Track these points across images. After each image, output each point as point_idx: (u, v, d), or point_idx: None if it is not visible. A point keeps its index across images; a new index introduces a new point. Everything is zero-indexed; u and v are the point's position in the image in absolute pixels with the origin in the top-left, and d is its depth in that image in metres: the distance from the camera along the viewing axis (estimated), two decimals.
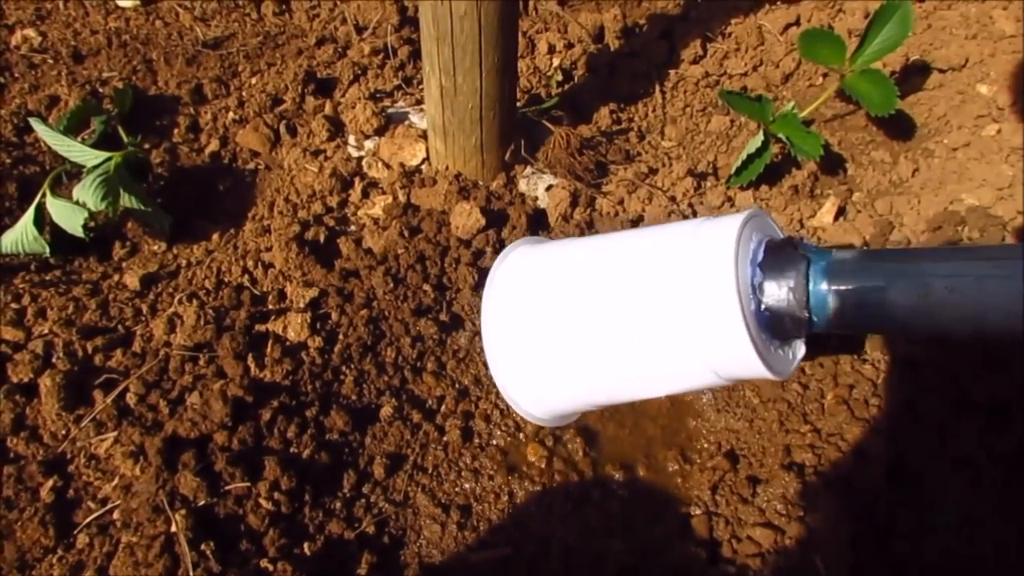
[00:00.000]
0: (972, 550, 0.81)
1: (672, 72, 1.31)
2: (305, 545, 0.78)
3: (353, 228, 1.08)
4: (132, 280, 0.99)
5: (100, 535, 0.75)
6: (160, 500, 0.76)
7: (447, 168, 1.10)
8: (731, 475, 0.87)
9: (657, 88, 1.29)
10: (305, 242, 1.01)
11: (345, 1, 1.44)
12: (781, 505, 0.83)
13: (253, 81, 1.31)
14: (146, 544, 0.73)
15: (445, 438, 0.89)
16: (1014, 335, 0.53)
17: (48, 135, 1.03)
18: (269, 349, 0.89)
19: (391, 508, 0.84)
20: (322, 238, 1.03)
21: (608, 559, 0.81)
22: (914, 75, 1.20)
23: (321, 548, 0.78)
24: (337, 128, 1.20)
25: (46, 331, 0.90)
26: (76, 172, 1.05)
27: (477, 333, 0.97)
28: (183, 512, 0.75)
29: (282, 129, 1.21)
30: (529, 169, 1.13)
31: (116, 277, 1.01)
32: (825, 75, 1.24)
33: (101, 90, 1.25)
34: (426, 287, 0.97)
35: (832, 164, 1.16)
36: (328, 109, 1.21)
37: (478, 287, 0.99)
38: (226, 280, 1.01)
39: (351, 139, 1.18)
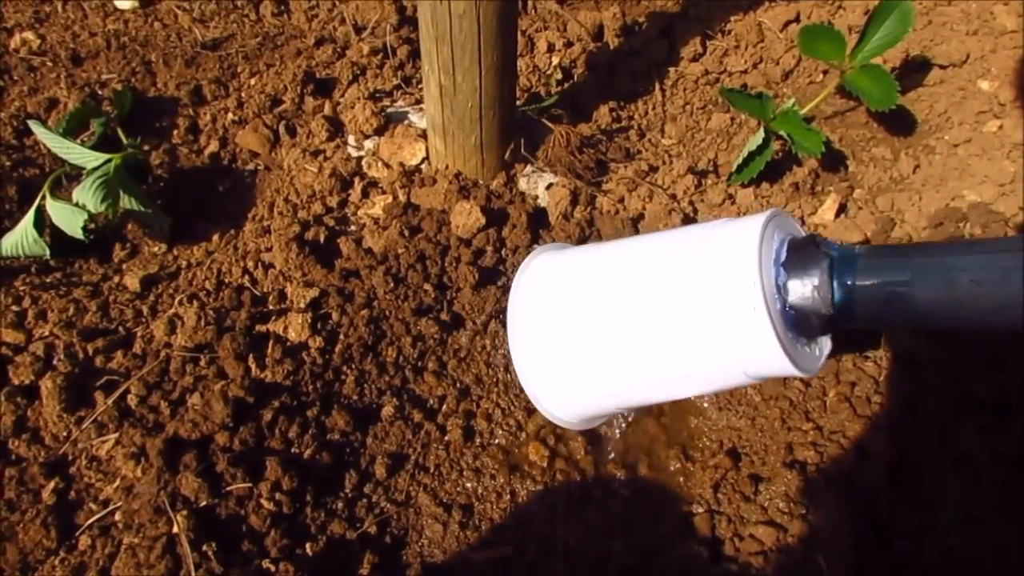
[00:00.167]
0: (973, 549, 0.81)
1: (672, 70, 1.31)
2: (307, 545, 0.78)
3: (353, 228, 1.08)
4: (132, 281, 0.99)
5: (102, 536, 0.75)
6: (162, 501, 0.76)
7: (447, 167, 1.10)
8: (733, 473, 0.87)
9: (657, 86, 1.29)
10: (305, 242, 1.01)
11: (344, 1, 1.44)
12: (783, 503, 0.83)
13: (252, 82, 1.31)
14: (148, 545, 0.73)
15: (447, 438, 0.89)
16: None
17: (47, 137, 1.03)
18: (270, 349, 0.89)
19: (393, 508, 0.84)
20: (322, 238, 1.03)
21: (610, 558, 0.81)
22: (915, 71, 1.19)
23: (323, 548, 0.78)
24: (336, 128, 1.19)
25: (47, 333, 0.90)
26: (76, 174, 1.05)
27: (478, 332, 0.97)
28: (185, 513, 0.75)
29: (281, 130, 1.21)
30: (529, 168, 1.13)
31: (116, 279, 1.01)
32: (825, 72, 1.24)
33: (100, 92, 1.25)
34: (427, 286, 0.97)
35: (833, 161, 1.16)
36: (327, 109, 1.21)
37: (479, 286, 0.99)
38: (226, 281, 1.01)
39: (351, 139, 1.18)
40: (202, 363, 0.88)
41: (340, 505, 0.82)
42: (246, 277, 1.01)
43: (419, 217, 1.04)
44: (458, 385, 0.94)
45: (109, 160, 1.02)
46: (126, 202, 1.01)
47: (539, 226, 1.07)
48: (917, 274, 0.57)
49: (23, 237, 0.98)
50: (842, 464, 0.85)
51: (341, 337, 0.92)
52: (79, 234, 1.00)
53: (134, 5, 1.43)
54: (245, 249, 1.05)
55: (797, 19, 1.28)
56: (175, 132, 1.22)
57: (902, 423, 0.88)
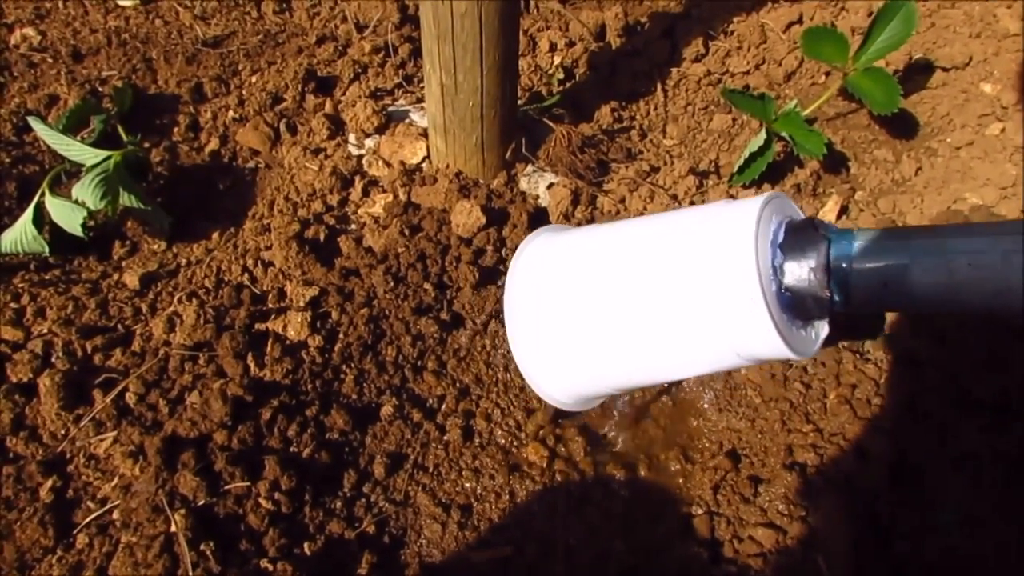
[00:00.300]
0: (973, 549, 0.81)
1: (674, 70, 1.31)
2: (305, 545, 0.78)
3: (353, 227, 1.07)
4: (132, 279, 0.99)
5: (100, 535, 0.75)
6: (160, 500, 0.76)
7: (448, 166, 1.09)
8: (733, 475, 0.87)
9: (659, 86, 1.29)
10: (305, 241, 1.01)
11: None
12: (783, 505, 0.83)
13: (253, 80, 1.31)
14: (146, 544, 0.73)
15: (446, 437, 0.89)
16: None
17: (47, 134, 1.03)
18: (269, 348, 0.89)
19: (391, 508, 0.83)
20: (322, 237, 1.03)
21: (610, 559, 0.81)
22: (917, 73, 1.19)
23: (321, 548, 0.78)
24: (337, 126, 1.19)
25: (45, 331, 0.90)
26: (75, 171, 1.05)
27: (478, 332, 0.97)
28: (183, 512, 0.75)
29: (282, 127, 1.21)
30: (530, 167, 1.13)
31: (115, 276, 1.01)
32: (828, 73, 1.24)
33: (100, 89, 1.25)
34: (427, 286, 0.97)
35: (835, 163, 1.16)
36: (328, 107, 1.21)
37: (479, 286, 0.98)
38: (226, 279, 1.00)
39: (351, 137, 1.18)
40: (201, 361, 0.88)
41: (339, 504, 0.82)
42: (246, 275, 1.00)
43: (419, 216, 1.04)
44: (458, 385, 0.94)
45: (109, 157, 1.02)
46: (126, 199, 1.01)
47: (540, 225, 1.06)
48: (915, 257, 0.57)
49: (22, 234, 0.98)
50: (842, 466, 0.85)
51: (340, 336, 0.92)
52: (78, 231, 0.99)
53: (135, 2, 1.42)
54: (245, 247, 1.04)
55: (800, 20, 1.28)
56: (175, 129, 1.22)
57: (902, 424, 0.88)
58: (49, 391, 0.82)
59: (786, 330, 0.60)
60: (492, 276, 1.00)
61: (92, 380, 0.85)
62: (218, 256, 1.03)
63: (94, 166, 1.00)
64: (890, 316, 0.96)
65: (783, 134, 1.07)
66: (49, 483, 0.78)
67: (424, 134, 1.14)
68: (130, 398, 0.84)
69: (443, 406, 0.92)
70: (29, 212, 0.98)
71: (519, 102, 1.13)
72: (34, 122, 1.02)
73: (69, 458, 0.81)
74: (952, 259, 0.55)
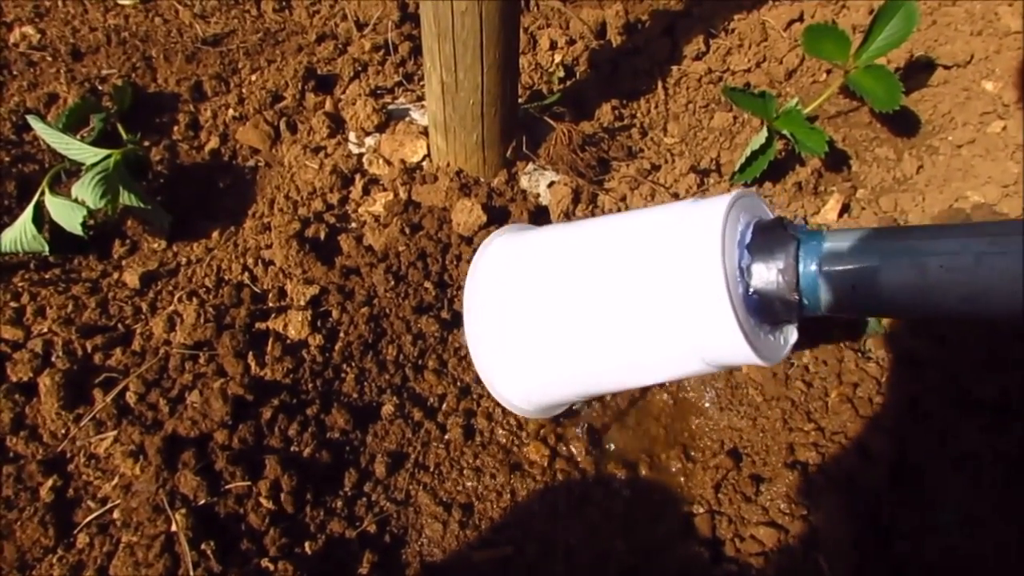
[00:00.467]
0: (973, 549, 0.80)
1: (675, 68, 1.30)
2: (306, 544, 0.78)
3: (354, 225, 1.07)
4: (132, 278, 0.99)
5: (100, 535, 0.75)
6: (160, 499, 0.75)
7: (448, 165, 1.09)
8: (734, 474, 0.87)
9: (659, 84, 1.28)
10: (305, 239, 1.01)
11: None
12: (784, 504, 0.83)
13: (253, 78, 1.31)
14: (146, 544, 0.72)
15: (447, 436, 0.89)
16: (1014, 314, 0.51)
17: (47, 133, 1.02)
18: (269, 347, 0.89)
19: (392, 507, 0.83)
20: (323, 235, 1.02)
21: (611, 558, 0.81)
22: (919, 71, 1.19)
23: (322, 547, 0.78)
24: (338, 125, 1.19)
25: (45, 330, 0.89)
26: (75, 170, 1.05)
27: None
28: (183, 511, 0.74)
29: (282, 126, 1.21)
30: (531, 166, 1.12)
31: (115, 275, 1.00)
32: (829, 71, 1.24)
33: (100, 87, 1.25)
34: (427, 284, 0.97)
35: (836, 161, 1.16)
36: (328, 106, 1.21)
37: None
38: (226, 278, 1.00)
39: (352, 136, 1.18)
40: (201, 361, 0.88)
41: (339, 504, 0.82)
42: (246, 274, 1.00)
43: (420, 215, 1.04)
44: (458, 384, 0.93)
45: (109, 156, 1.01)
46: (126, 198, 1.01)
47: (541, 224, 1.06)
48: (886, 259, 0.55)
49: (22, 233, 0.98)
50: (843, 465, 0.85)
51: (341, 335, 0.92)
52: (78, 230, 0.99)
53: (135, 0, 1.42)
54: (245, 246, 1.04)
55: (801, 18, 1.28)
56: (175, 128, 1.22)
57: (904, 423, 0.88)
58: (49, 390, 0.82)
59: (752, 334, 0.58)
60: None
61: (92, 379, 0.85)
62: (218, 255, 1.03)
63: (94, 165, 1.00)
64: None
65: (784, 132, 1.07)
66: (49, 483, 0.78)
67: (424, 132, 1.14)
68: (130, 397, 0.84)
69: (444, 405, 0.91)
70: (29, 211, 0.98)
71: (520, 100, 1.12)
72: (33, 121, 1.02)
73: (69, 458, 0.81)
74: (924, 261, 0.53)
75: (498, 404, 0.92)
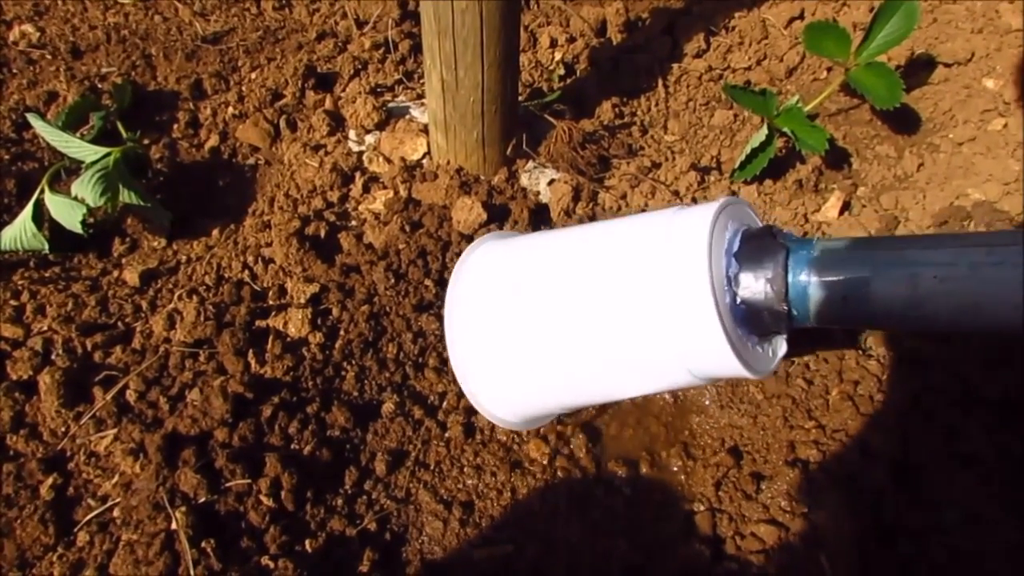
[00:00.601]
0: (978, 548, 0.80)
1: (675, 66, 1.30)
2: (306, 542, 0.78)
3: (354, 223, 1.07)
4: (132, 276, 0.98)
5: (100, 533, 0.75)
6: (160, 497, 0.75)
7: (448, 163, 1.09)
8: (735, 471, 0.87)
9: (660, 82, 1.28)
10: (305, 237, 1.01)
11: None
12: (785, 502, 0.83)
13: (253, 76, 1.30)
14: (146, 542, 0.72)
15: (447, 434, 0.89)
16: (1012, 328, 0.49)
17: (46, 131, 1.02)
18: (270, 345, 0.89)
19: (393, 505, 0.83)
20: (323, 233, 1.02)
21: (611, 556, 0.81)
22: (919, 69, 1.19)
23: (322, 545, 0.78)
24: (337, 123, 1.19)
25: (45, 328, 0.89)
26: (75, 168, 1.05)
27: None
28: (183, 509, 0.74)
29: (282, 124, 1.21)
30: (531, 163, 1.12)
31: (115, 273, 1.00)
32: (829, 69, 1.23)
33: (100, 86, 1.25)
34: (427, 282, 0.97)
35: (837, 158, 1.15)
36: (328, 104, 1.21)
37: None
38: (226, 276, 1.00)
39: (352, 134, 1.18)
40: (201, 358, 0.88)
41: (340, 502, 0.82)
42: (246, 272, 1.00)
43: (420, 212, 1.04)
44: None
45: (108, 154, 1.01)
46: (125, 196, 1.01)
47: (541, 222, 1.06)
48: (878, 269, 0.53)
49: (22, 231, 0.98)
50: (845, 462, 0.84)
51: (341, 333, 0.92)
52: (78, 228, 0.99)
53: None
54: (245, 244, 1.04)
55: (801, 16, 1.28)
56: (175, 126, 1.22)
57: (906, 421, 0.88)
58: (49, 389, 0.82)
59: (740, 346, 0.56)
60: None
61: (92, 377, 0.85)
62: (218, 253, 1.03)
63: (93, 163, 1.00)
64: None
65: (785, 130, 1.07)
66: (50, 481, 0.78)
67: (424, 130, 1.14)
68: (130, 395, 0.84)
69: (444, 403, 0.91)
70: (29, 209, 0.98)
71: (520, 98, 1.12)
72: (33, 119, 1.02)
73: (69, 456, 0.80)
74: (917, 271, 0.51)
75: None
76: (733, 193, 1.11)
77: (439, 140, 1.08)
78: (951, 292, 0.50)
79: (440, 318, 0.95)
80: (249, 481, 0.78)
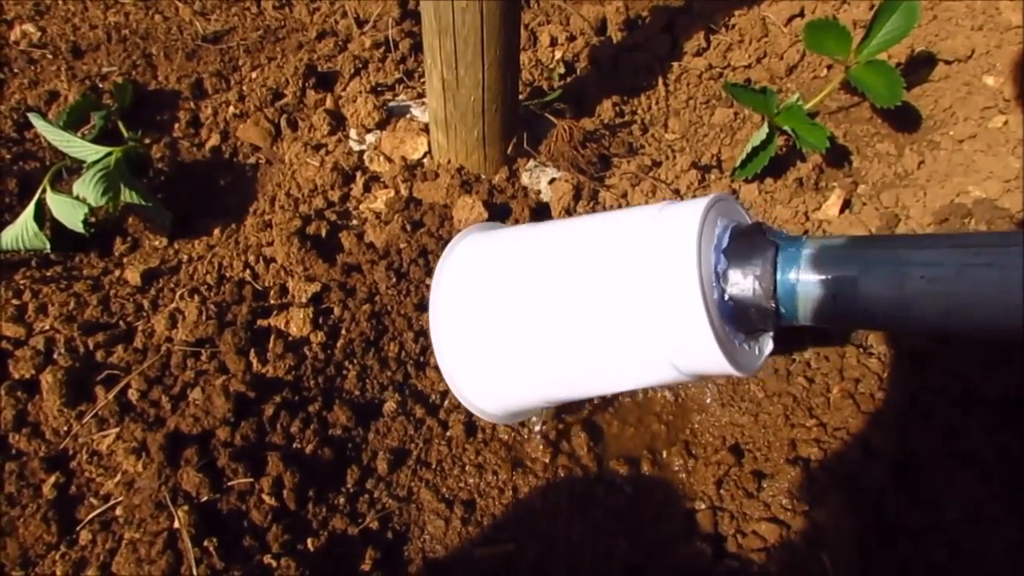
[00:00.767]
0: (978, 548, 0.80)
1: (675, 64, 1.30)
2: (308, 541, 0.78)
3: (355, 222, 1.07)
4: (133, 276, 0.99)
5: (103, 532, 0.75)
6: (163, 496, 0.75)
7: (449, 162, 1.09)
8: (736, 470, 0.87)
9: (660, 81, 1.28)
10: (307, 236, 1.01)
11: None
12: (786, 500, 0.83)
13: (253, 75, 1.31)
14: (149, 540, 0.73)
15: (449, 433, 0.89)
16: (1002, 331, 0.49)
17: (48, 130, 1.02)
18: (271, 344, 0.89)
19: (395, 503, 0.83)
20: (324, 232, 1.02)
21: (613, 555, 0.81)
22: (920, 67, 1.19)
23: (324, 544, 0.78)
24: (338, 122, 1.19)
25: (47, 327, 0.89)
26: (76, 168, 1.05)
27: None
28: (186, 508, 0.75)
29: (283, 123, 1.21)
30: (532, 162, 1.12)
31: (117, 273, 1.00)
32: (830, 67, 1.23)
33: (101, 85, 1.25)
34: (429, 281, 0.97)
35: (837, 156, 1.15)
36: (329, 103, 1.21)
37: None
38: (227, 275, 1.00)
39: (352, 133, 1.18)
40: (203, 358, 0.88)
41: (342, 501, 0.82)
42: (247, 271, 1.00)
43: (421, 211, 1.04)
44: None
45: (110, 153, 1.01)
46: (127, 196, 1.01)
47: (542, 221, 1.06)
48: (867, 268, 0.52)
49: (23, 231, 0.98)
50: (846, 461, 0.85)
51: (343, 332, 0.92)
52: (79, 228, 0.99)
53: None
54: (246, 243, 1.04)
55: (801, 14, 1.28)
56: (176, 125, 1.22)
57: (907, 420, 0.88)
58: (51, 388, 0.82)
59: (727, 343, 0.55)
60: None
61: (94, 377, 0.85)
62: (219, 252, 1.03)
63: (95, 162, 1.00)
64: None
65: (785, 128, 1.07)
66: (52, 480, 0.78)
67: (425, 129, 1.14)
68: (132, 395, 0.84)
69: (446, 402, 0.91)
70: (30, 209, 0.98)
71: (520, 97, 1.12)
72: (34, 119, 1.02)
73: (72, 455, 0.81)
74: (905, 271, 0.51)
75: None
76: (734, 191, 1.11)
77: (440, 139, 1.08)
78: (939, 293, 0.50)
79: None
80: (251, 480, 0.78)
